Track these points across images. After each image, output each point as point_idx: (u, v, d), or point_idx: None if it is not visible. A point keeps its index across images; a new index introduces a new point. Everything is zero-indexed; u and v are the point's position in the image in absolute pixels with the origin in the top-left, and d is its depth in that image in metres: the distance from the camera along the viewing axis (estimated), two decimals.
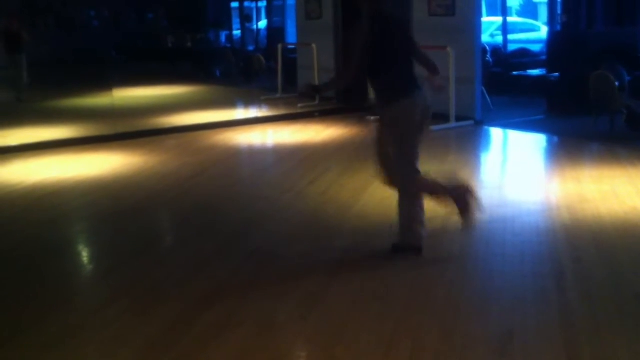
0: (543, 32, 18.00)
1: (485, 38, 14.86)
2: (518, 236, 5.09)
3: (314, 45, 12.43)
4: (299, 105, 11.96)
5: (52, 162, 8.37)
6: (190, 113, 11.72)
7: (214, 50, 21.21)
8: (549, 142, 8.95)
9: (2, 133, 10.04)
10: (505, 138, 9.52)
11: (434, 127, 9.04)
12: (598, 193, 6.04)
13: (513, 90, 11.89)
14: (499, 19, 16.56)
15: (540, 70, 11.99)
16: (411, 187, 4.61)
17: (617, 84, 8.53)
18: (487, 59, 11.93)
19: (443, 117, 9.45)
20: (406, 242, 4.67)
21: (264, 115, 11.61)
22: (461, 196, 4.58)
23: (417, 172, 4.58)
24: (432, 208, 5.18)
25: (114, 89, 14.32)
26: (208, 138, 9.65)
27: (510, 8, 24.44)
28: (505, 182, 7.15)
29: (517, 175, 7.34)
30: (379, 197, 5.98)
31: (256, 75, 16.42)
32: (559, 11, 13.02)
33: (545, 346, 3.42)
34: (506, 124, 9.78)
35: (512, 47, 14.66)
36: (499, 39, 15.93)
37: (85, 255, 5.51)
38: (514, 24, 19.25)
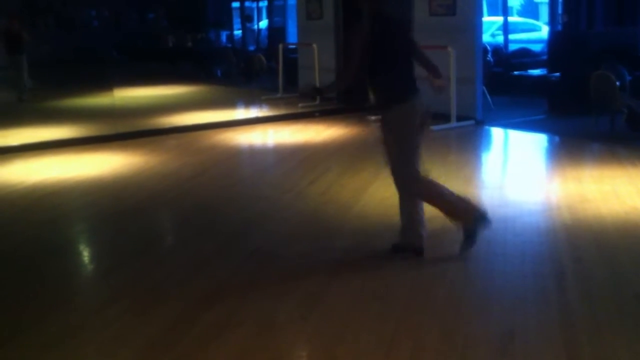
0: (544, 31, 18.00)
1: (486, 38, 14.85)
2: (519, 236, 5.09)
3: (314, 45, 12.42)
4: (300, 105, 11.96)
5: (52, 162, 8.37)
6: (190, 113, 11.72)
7: (214, 50, 21.23)
8: (550, 142, 8.95)
9: (2, 133, 10.04)
10: (506, 138, 9.51)
11: (434, 127, 9.05)
12: (599, 193, 6.03)
13: (514, 90, 11.88)
14: (499, 19, 16.55)
15: (541, 70, 11.98)
16: (412, 187, 4.60)
17: (617, 83, 8.52)
18: (487, 58, 11.92)
19: (444, 117, 9.45)
20: (407, 242, 4.67)
21: (264, 115, 11.62)
22: (469, 220, 4.56)
23: (418, 172, 4.58)
24: (432, 208, 5.18)
25: (114, 89, 14.34)
26: (208, 138, 9.65)
27: (511, 8, 24.43)
28: (506, 182, 7.15)
29: (518, 175, 7.33)
30: (379, 197, 5.98)
31: (257, 75, 16.43)
32: (560, 11, 13.02)
33: (546, 346, 3.41)
34: (507, 124, 9.77)
35: (513, 47, 14.65)
36: (500, 38, 15.92)
37: (85, 255, 5.51)
38: (515, 23, 19.23)
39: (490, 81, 11.25)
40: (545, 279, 4.25)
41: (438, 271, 4.46)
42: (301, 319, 3.85)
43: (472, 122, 9.81)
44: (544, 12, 23.09)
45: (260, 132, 10.43)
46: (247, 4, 23.27)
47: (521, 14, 25.86)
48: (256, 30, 22.95)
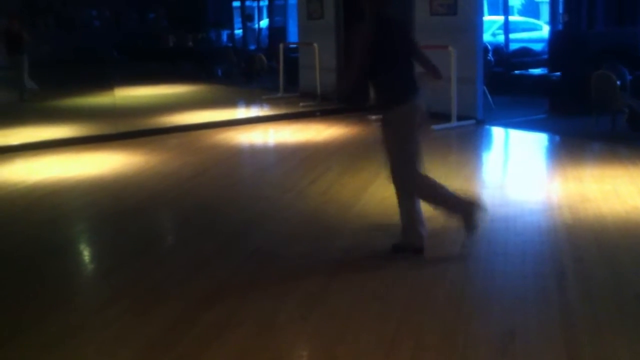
0: (545, 31, 17.99)
1: (486, 37, 14.84)
2: (520, 235, 5.08)
3: (315, 45, 12.42)
4: (301, 104, 11.96)
5: (53, 162, 8.37)
6: (191, 112, 11.72)
7: (215, 49, 21.22)
8: (551, 141, 8.94)
9: (3, 132, 10.04)
10: (507, 137, 9.50)
11: (435, 127, 9.04)
12: (600, 192, 6.02)
13: (514, 89, 11.88)
14: (500, 18, 16.53)
15: (542, 69, 11.98)
16: (411, 186, 4.60)
17: (618, 83, 8.51)
18: (488, 58, 11.91)
19: (444, 117, 9.44)
20: (407, 242, 4.67)
21: (265, 115, 11.62)
22: (468, 212, 4.61)
23: (417, 172, 4.58)
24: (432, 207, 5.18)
25: (115, 89, 14.34)
26: (209, 137, 9.65)
27: (512, 7, 24.42)
28: (507, 181, 7.14)
29: (519, 174, 7.33)
30: (380, 197, 5.97)
31: (257, 75, 16.43)
32: (561, 10, 13.00)
33: (547, 346, 3.41)
34: (508, 124, 9.76)
35: (513, 47, 14.64)
36: (501, 38, 15.91)
37: (85, 255, 5.51)
38: (516, 23, 19.21)
39: (491, 81, 11.25)
40: (546, 279, 4.24)
41: (438, 271, 4.45)
42: (301, 319, 3.84)
43: (472, 121, 9.80)
44: (545, 11, 23.08)
45: (261, 131, 10.43)
46: (247, 3, 23.26)
47: (522, 13, 25.85)
48: (257, 30, 22.94)
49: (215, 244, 5.23)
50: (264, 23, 23.45)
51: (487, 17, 17.09)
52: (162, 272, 4.69)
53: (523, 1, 27.05)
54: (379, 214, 5.62)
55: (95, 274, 4.99)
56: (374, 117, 9.40)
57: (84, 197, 6.84)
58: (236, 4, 23.54)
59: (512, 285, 4.20)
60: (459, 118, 9.64)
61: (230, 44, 22.71)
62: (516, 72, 12.36)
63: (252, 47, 21.43)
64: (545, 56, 12.33)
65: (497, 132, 9.59)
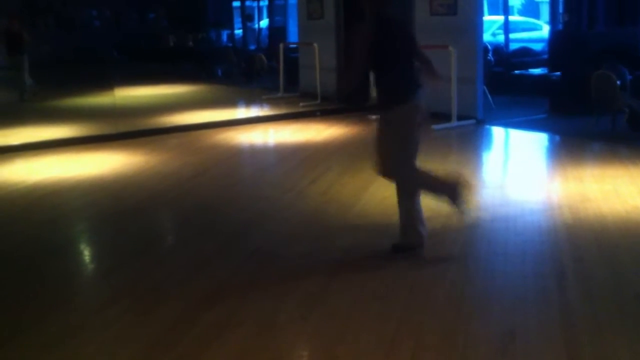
0: (545, 31, 17.98)
1: (486, 37, 14.84)
2: (520, 235, 5.08)
3: (315, 45, 12.42)
4: (301, 104, 11.96)
5: (53, 162, 8.37)
6: (191, 112, 11.72)
7: (215, 49, 21.22)
8: (551, 141, 8.94)
9: (3, 132, 10.05)
10: (507, 137, 9.50)
11: (435, 126, 9.05)
12: (600, 192, 6.02)
13: (514, 89, 11.87)
14: (500, 18, 16.53)
15: (542, 69, 11.98)
16: (411, 185, 4.61)
17: (618, 83, 8.51)
18: (488, 58, 11.91)
19: (445, 116, 9.44)
20: (407, 241, 4.67)
21: (265, 115, 11.62)
22: (453, 190, 4.66)
23: (415, 170, 4.59)
24: (433, 208, 5.18)
25: (115, 89, 14.34)
26: (209, 137, 9.65)
27: (512, 7, 24.42)
28: (507, 181, 7.14)
29: (519, 174, 7.33)
30: (380, 197, 5.97)
31: (257, 75, 16.43)
32: (561, 10, 13.00)
33: (547, 346, 3.41)
34: (508, 123, 9.76)
35: (513, 46, 14.64)
36: (501, 38, 15.91)
37: (85, 255, 5.51)
38: (516, 22, 19.21)
39: (491, 80, 11.25)
40: (546, 279, 4.24)
41: (438, 271, 4.45)
42: (301, 319, 3.84)
43: (472, 121, 9.80)
44: (545, 11, 23.08)
45: (261, 131, 10.43)
46: (247, 3, 23.27)
47: (522, 13, 25.85)
48: (257, 30, 22.94)
49: (215, 244, 5.23)
50: (264, 23, 23.45)
51: (487, 17, 17.09)
52: (162, 272, 4.69)
53: (523, 1, 27.05)
54: (379, 214, 5.61)
55: (96, 274, 4.99)
56: (374, 117, 9.40)
57: (84, 197, 6.84)
58: (236, 4, 23.55)
59: (512, 285, 4.20)
60: (459, 118, 9.64)
61: (231, 44, 22.71)
62: (516, 72, 12.36)
63: (252, 47, 21.44)
64: (546, 56, 12.33)
65: (497, 132, 9.59)
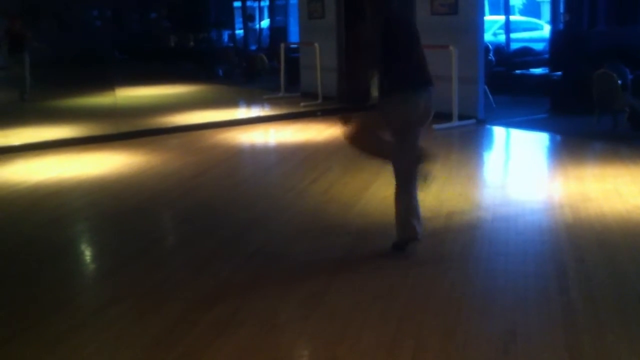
0: (546, 30, 17.97)
1: (487, 37, 14.84)
2: (521, 235, 5.08)
3: (316, 45, 12.42)
4: (302, 104, 11.96)
5: (54, 162, 8.38)
6: (192, 112, 11.72)
7: (216, 49, 21.22)
8: (552, 140, 8.94)
9: (4, 133, 10.05)
10: (508, 137, 9.50)
11: (436, 126, 9.04)
12: (601, 192, 6.02)
13: (515, 89, 11.87)
14: (501, 18, 16.53)
15: (543, 69, 11.97)
16: (406, 178, 4.60)
17: (619, 82, 8.51)
18: (489, 57, 11.91)
19: (446, 116, 9.44)
20: (404, 236, 4.65)
21: (266, 115, 11.62)
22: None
23: (411, 166, 4.60)
24: (433, 207, 5.19)
25: (116, 89, 14.33)
26: (210, 137, 9.65)
27: (513, 7, 24.41)
28: (508, 181, 7.14)
29: (520, 174, 7.33)
30: (381, 196, 5.97)
31: (258, 75, 16.43)
32: (562, 10, 12.99)
33: (548, 345, 3.41)
34: (509, 123, 9.76)
35: (514, 46, 14.64)
36: (502, 37, 15.91)
37: (87, 255, 5.51)
38: (517, 22, 19.21)
39: (492, 80, 11.24)
40: (547, 279, 4.24)
41: (439, 270, 4.45)
42: (302, 319, 3.84)
43: (473, 121, 9.79)
44: (546, 10, 23.09)
45: (262, 131, 10.43)
46: (248, 3, 23.26)
47: (523, 12, 25.86)
48: (258, 30, 22.94)
49: (216, 244, 5.23)
50: (265, 23, 23.45)
51: (488, 17, 17.08)
52: (163, 272, 4.70)
53: (524, 1, 27.05)
54: (380, 213, 5.61)
55: (97, 273, 4.99)
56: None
57: (85, 197, 6.85)
58: (237, 4, 23.55)
59: (513, 285, 4.19)
60: (460, 117, 9.64)
61: (232, 44, 22.71)
62: (517, 71, 12.35)
63: (253, 47, 21.44)
64: (547, 56, 12.33)
65: (498, 132, 9.59)
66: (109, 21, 25.82)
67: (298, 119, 10.96)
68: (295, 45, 14.96)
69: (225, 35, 24.25)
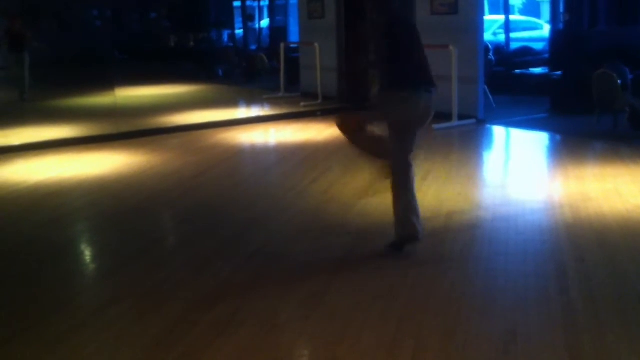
0: (545, 30, 17.97)
1: (487, 36, 14.84)
2: (521, 235, 5.08)
3: (316, 45, 12.42)
4: (302, 104, 11.96)
5: (54, 162, 8.38)
6: (192, 112, 11.72)
7: (216, 49, 21.22)
8: (552, 140, 8.93)
9: (4, 133, 10.05)
10: (508, 136, 9.50)
11: (436, 126, 9.04)
12: (601, 192, 6.02)
13: (515, 88, 11.87)
14: (501, 17, 16.52)
15: (543, 68, 11.97)
16: (404, 178, 4.60)
17: (620, 82, 8.51)
18: (489, 57, 11.90)
19: (445, 116, 9.43)
20: (403, 235, 4.64)
21: (266, 115, 11.62)
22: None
23: (410, 165, 4.60)
24: (433, 207, 5.18)
25: (116, 89, 14.33)
26: (210, 137, 9.65)
27: (513, 6, 24.41)
28: (508, 180, 7.14)
29: (520, 173, 7.32)
30: (381, 196, 5.96)
31: (258, 75, 16.43)
32: (562, 9, 12.99)
33: (548, 345, 3.41)
34: (509, 123, 9.76)
35: (514, 46, 14.63)
36: (502, 37, 15.90)
37: (87, 255, 5.51)
38: (517, 22, 19.21)
39: (491, 80, 11.24)
40: (547, 279, 4.24)
41: (440, 270, 4.45)
42: (302, 319, 3.84)
43: (473, 120, 9.80)
44: (546, 10, 23.08)
45: (262, 131, 10.43)
46: (248, 3, 23.26)
47: (523, 12, 25.85)
48: (258, 30, 22.95)
49: (216, 244, 5.23)
50: (265, 23, 23.45)
51: (488, 17, 17.08)
52: (163, 272, 4.70)
53: (524, 0, 27.05)
54: (380, 214, 5.60)
55: (97, 273, 4.99)
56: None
57: (85, 197, 6.85)
58: (237, 3, 23.55)
59: (513, 285, 4.19)
60: (460, 117, 9.64)
61: (232, 44, 22.71)
62: (517, 71, 12.35)
63: (253, 47, 21.44)
64: (546, 55, 12.32)
65: (498, 132, 9.59)
66: (109, 21, 25.82)
67: (298, 119, 10.96)
68: (295, 45, 14.96)
69: (225, 35, 24.25)
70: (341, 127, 4.71)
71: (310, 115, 11.17)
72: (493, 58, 12.41)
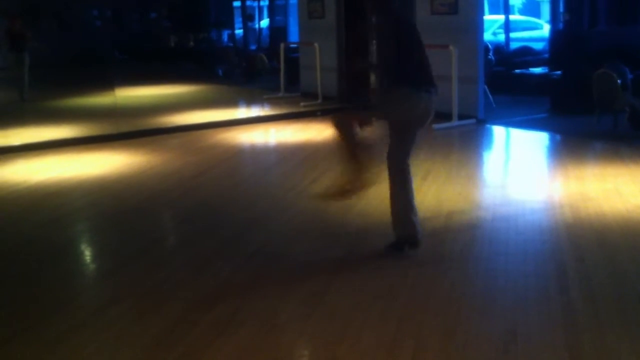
0: (545, 30, 17.97)
1: (487, 36, 14.84)
2: (521, 235, 5.08)
3: (316, 45, 12.42)
4: (302, 104, 11.96)
5: (54, 162, 8.38)
6: (192, 112, 11.72)
7: (216, 49, 21.23)
8: (552, 140, 8.94)
9: (4, 133, 10.06)
10: (508, 136, 9.50)
11: (436, 126, 9.04)
12: (601, 191, 6.02)
13: (515, 88, 11.87)
14: (501, 17, 16.53)
15: (543, 68, 11.97)
16: (402, 178, 4.60)
17: (619, 82, 8.51)
18: (489, 57, 11.90)
19: (445, 116, 9.43)
20: (403, 235, 4.64)
21: (266, 115, 11.63)
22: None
23: (408, 166, 4.61)
24: (433, 207, 5.18)
25: (116, 89, 14.33)
26: (210, 137, 9.65)
27: (513, 6, 24.41)
28: (508, 180, 7.14)
29: (520, 173, 7.33)
30: (381, 196, 5.94)
31: (258, 75, 16.43)
32: (562, 9, 13.00)
33: (548, 345, 3.41)
34: (509, 123, 9.76)
35: (514, 46, 14.63)
36: (502, 37, 15.91)
37: (87, 255, 5.52)
38: (516, 22, 19.21)
39: (491, 80, 11.24)
40: (547, 279, 4.24)
41: (440, 270, 4.45)
42: (302, 319, 3.84)
43: (473, 120, 9.80)
44: (546, 10, 23.08)
45: (262, 131, 10.43)
46: (248, 3, 23.25)
47: (522, 12, 25.84)
48: (258, 30, 22.95)
49: (216, 244, 5.23)
50: (265, 23, 23.44)
51: (487, 17, 17.08)
52: (163, 272, 4.70)
53: (524, 0, 27.04)
54: (380, 214, 5.59)
55: (97, 273, 5.00)
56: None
57: (86, 197, 6.85)
58: (237, 3, 23.54)
59: (514, 285, 4.19)
60: (460, 117, 9.64)
61: (231, 44, 22.72)
62: (517, 71, 12.36)
63: (253, 47, 21.44)
64: (546, 55, 12.33)
65: (498, 131, 9.59)
66: (109, 21, 25.80)
67: (298, 119, 10.96)
68: (295, 45, 14.96)
69: (225, 35, 24.26)
70: (337, 125, 4.71)
71: (310, 115, 11.17)
72: (493, 58, 12.41)
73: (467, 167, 7.44)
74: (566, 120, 9.68)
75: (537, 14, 24.52)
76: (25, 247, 5.41)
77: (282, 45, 13.74)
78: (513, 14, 22.57)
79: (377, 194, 6.08)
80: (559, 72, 10.81)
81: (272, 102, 12.75)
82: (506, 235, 5.09)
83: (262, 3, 23.50)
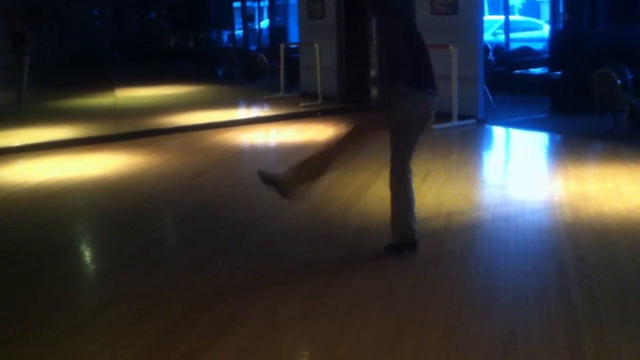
0: (545, 30, 17.97)
1: (487, 36, 14.84)
2: (521, 234, 5.08)
3: (316, 45, 12.42)
4: (302, 104, 11.96)
5: (54, 163, 8.38)
6: (192, 113, 11.72)
7: (216, 50, 21.24)
8: (552, 140, 8.93)
9: (4, 133, 10.06)
10: (508, 137, 9.50)
11: (436, 126, 9.03)
12: (601, 191, 6.02)
13: (515, 88, 11.87)
14: (501, 18, 16.53)
15: (543, 68, 11.97)
16: (399, 178, 4.61)
17: (620, 82, 8.51)
18: (489, 57, 11.91)
19: (445, 116, 9.43)
20: (401, 237, 4.64)
21: (266, 115, 11.62)
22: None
23: (408, 168, 4.60)
24: (433, 207, 5.18)
25: (116, 89, 14.35)
26: (210, 138, 9.65)
27: (513, 6, 24.40)
28: (508, 180, 7.14)
29: (520, 173, 7.33)
30: (381, 197, 5.96)
31: (258, 75, 16.44)
32: (561, 9, 13.00)
33: (548, 345, 3.41)
34: (508, 123, 9.76)
35: (514, 46, 14.63)
36: (501, 37, 15.91)
37: (88, 255, 5.52)
38: (516, 22, 19.21)
39: (491, 80, 11.24)
40: (548, 278, 4.24)
41: (439, 270, 4.45)
42: (302, 319, 3.84)
43: (473, 121, 9.80)
44: (546, 10, 23.08)
45: (262, 131, 10.43)
46: (248, 3, 23.27)
47: (522, 12, 25.84)
48: (258, 30, 22.96)
49: (217, 244, 5.23)
50: (265, 23, 23.45)
51: (487, 17, 17.08)
52: (164, 272, 4.70)
53: (524, 0, 27.04)
54: (380, 214, 5.60)
55: (98, 273, 5.00)
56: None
57: (86, 198, 6.85)
58: (237, 4, 23.56)
59: (514, 285, 4.19)
60: (460, 117, 9.64)
61: (231, 45, 22.73)
62: (517, 71, 12.35)
63: (253, 48, 21.45)
64: (546, 55, 12.33)
65: (498, 132, 9.59)
66: (109, 21, 25.83)
67: (298, 119, 10.96)
68: (295, 46, 14.96)
69: (225, 36, 24.27)
70: (361, 129, 4.69)
71: (310, 115, 11.17)
72: (493, 58, 12.41)
73: (467, 167, 7.44)
74: (566, 120, 9.68)
75: (537, 15, 24.52)
76: (25, 247, 5.42)
77: (282, 46, 13.75)
78: (513, 14, 22.57)
79: (377, 194, 6.10)
80: (559, 72, 10.81)
81: (272, 102, 12.75)
82: (506, 235, 5.09)
83: (262, 3, 23.52)
